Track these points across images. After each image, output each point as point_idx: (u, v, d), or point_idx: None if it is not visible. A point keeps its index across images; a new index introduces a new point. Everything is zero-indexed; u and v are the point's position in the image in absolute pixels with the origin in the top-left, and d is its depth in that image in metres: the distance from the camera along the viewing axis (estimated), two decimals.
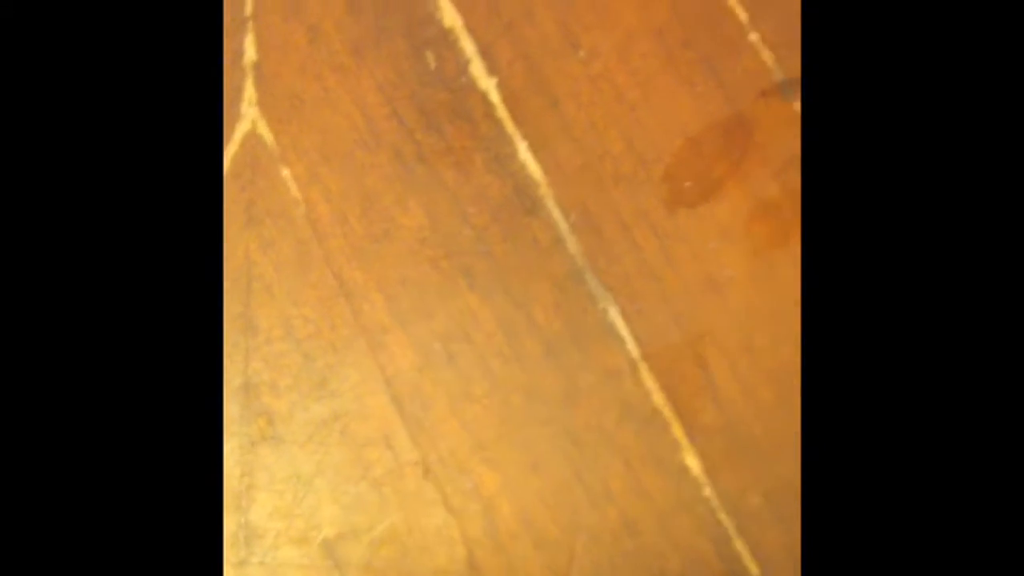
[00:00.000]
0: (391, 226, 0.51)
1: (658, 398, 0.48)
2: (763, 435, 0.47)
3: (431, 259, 0.50)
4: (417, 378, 0.49)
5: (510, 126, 0.52)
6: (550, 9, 0.53)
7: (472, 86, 0.52)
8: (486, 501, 0.47)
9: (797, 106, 0.51)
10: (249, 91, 0.53)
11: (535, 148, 0.51)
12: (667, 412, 0.48)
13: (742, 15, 0.52)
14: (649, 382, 0.48)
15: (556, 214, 0.50)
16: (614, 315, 0.49)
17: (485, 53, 0.52)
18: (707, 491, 0.47)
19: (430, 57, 0.53)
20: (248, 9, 0.54)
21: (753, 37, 0.52)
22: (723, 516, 0.46)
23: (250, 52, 0.53)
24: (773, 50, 0.52)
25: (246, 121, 0.52)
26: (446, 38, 0.53)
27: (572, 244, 0.50)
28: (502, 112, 0.52)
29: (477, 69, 0.52)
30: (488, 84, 0.52)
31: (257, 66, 0.53)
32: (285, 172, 0.52)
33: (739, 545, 0.46)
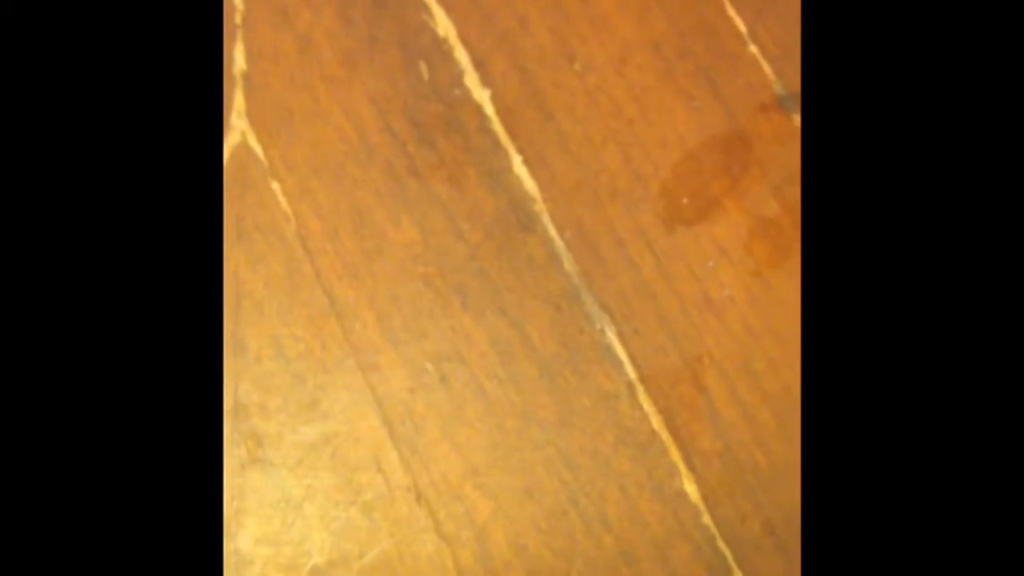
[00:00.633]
0: (383, 242, 0.50)
1: (656, 421, 0.47)
2: (764, 461, 0.46)
3: (424, 276, 0.49)
4: (409, 400, 0.48)
5: (505, 139, 0.51)
6: (545, 19, 0.52)
7: (466, 98, 0.51)
8: (479, 528, 0.46)
9: (798, 120, 0.50)
10: (239, 102, 0.52)
11: (530, 162, 0.50)
12: (665, 436, 0.47)
13: (741, 27, 0.52)
14: (646, 405, 0.47)
15: (552, 231, 0.49)
16: (611, 336, 0.48)
17: (479, 64, 0.51)
18: (705, 518, 0.46)
19: (423, 68, 0.52)
20: (238, 18, 0.53)
21: (753, 49, 0.51)
22: (722, 544, 0.46)
23: (239, 62, 0.52)
24: (773, 63, 0.51)
25: (235, 133, 0.51)
26: (440, 48, 0.52)
27: (568, 262, 0.49)
28: (496, 125, 0.51)
29: (471, 81, 0.51)
30: (482, 96, 0.51)
31: (247, 76, 0.52)
32: (275, 186, 0.50)
33: None
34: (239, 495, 0.47)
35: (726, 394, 0.47)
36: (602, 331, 0.48)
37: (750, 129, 0.50)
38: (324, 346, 0.49)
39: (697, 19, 0.52)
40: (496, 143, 0.51)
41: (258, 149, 0.51)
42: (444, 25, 0.52)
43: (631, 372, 0.47)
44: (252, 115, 0.52)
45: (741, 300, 0.48)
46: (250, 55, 0.52)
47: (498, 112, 0.51)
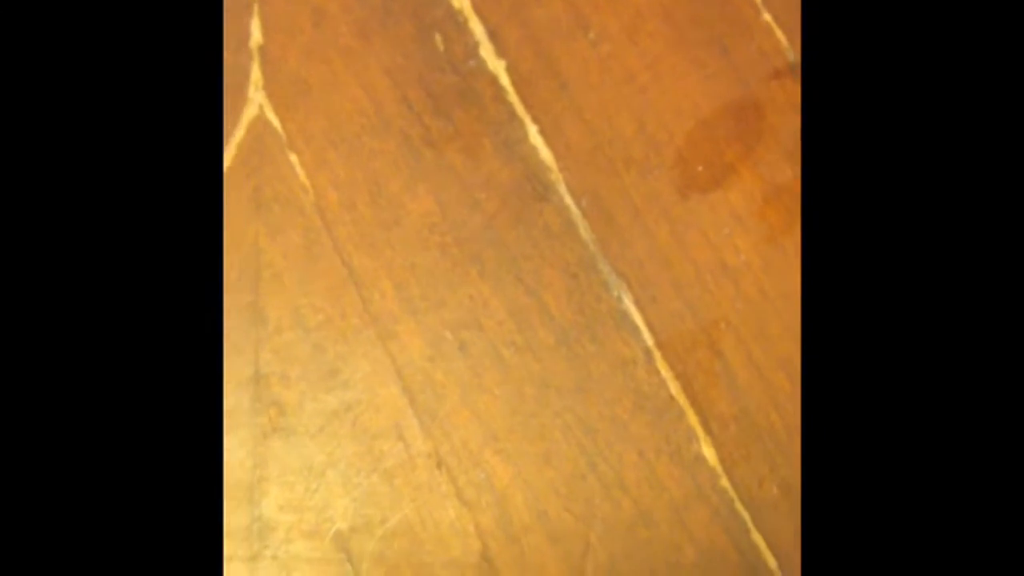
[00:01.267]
0: (400, 212, 0.50)
1: (673, 387, 0.47)
2: (780, 424, 0.47)
3: (440, 245, 0.50)
4: (428, 368, 0.48)
5: (520, 109, 0.51)
6: None
7: (481, 69, 0.51)
8: (499, 493, 0.47)
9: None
10: (256, 75, 0.52)
11: (545, 132, 0.50)
12: (682, 401, 0.47)
13: None
14: (664, 371, 0.47)
15: (567, 199, 0.50)
16: (627, 303, 0.48)
17: (493, 35, 0.52)
18: (723, 481, 0.46)
19: (438, 39, 0.52)
20: None
21: (767, 17, 0.51)
22: (740, 507, 0.46)
23: (256, 35, 0.52)
24: (787, 31, 0.51)
25: (253, 106, 0.52)
26: (454, 19, 0.52)
27: (584, 230, 0.49)
28: (511, 95, 0.51)
29: (486, 51, 0.52)
30: (497, 67, 0.51)
31: (263, 50, 0.52)
32: (293, 158, 0.51)
33: (756, 537, 0.46)
34: (262, 463, 0.48)
35: (742, 358, 0.47)
36: (619, 298, 0.48)
37: (763, 96, 0.51)
38: (343, 315, 0.49)
39: None
40: (511, 113, 0.51)
41: (275, 121, 0.51)
42: None
43: (648, 338, 0.48)
44: (269, 88, 0.52)
45: (756, 266, 0.48)
46: (266, 29, 0.53)
47: (513, 82, 0.51)
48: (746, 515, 0.46)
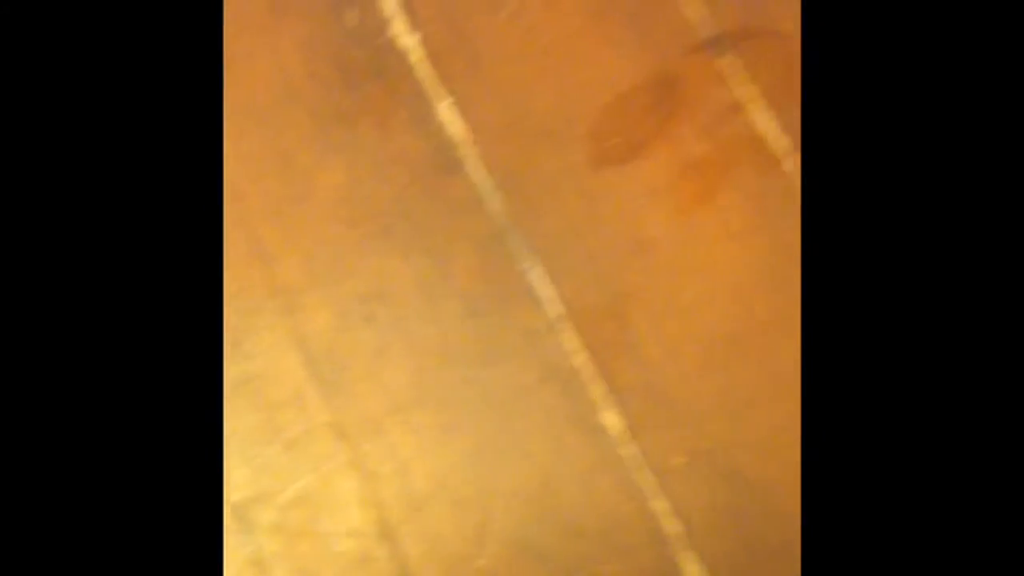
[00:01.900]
0: (309, 186, 0.49)
1: (579, 358, 0.47)
2: (690, 396, 0.46)
3: (349, 219, 0.49)
4: (333, 339, 0.47)
5: (432, 84, 0.50)
6: None
7: (393, 44, 0.51)
8: (401, 462, 0.46)
9: (724, 63, 0.50)
10: None
11: (459, 106, 0.50)
12: (588, 372, 0.46)
13: None
14: (571, 342, 0.47)
15: (479, 174, 0.49)
16: (537, 275, 0.48)
17: (407, 8, 0.51)
18: (627, 450, 0.46)
19: (350, 15, 0.51)
20: None
21: None
22: (643, 475, 0.45)
23: None
24: (701, 6, 0.51)
25: None
26: None
27: (495, 203, 0.49)
28: (424, 70, 0.51)
29: (399, 26, 0.51)
30: (410, 41, 0.51)
31: None
32: None
33: (659, 504, 0.45)
34: None
35: (651, 331, 0.47)
36: (528, 271, 0.48)
37: (678, 71, 0.50)
38: (248, 288, 0.48)
39: None
40: (423, 88, 0.50)
41: None
42: None
43: (556, 310, 0.47)
44: None
45: (668, 238, 0.48)
46: None
47: (426, 56, 0.51)
48: (650, 483, 0.45)
